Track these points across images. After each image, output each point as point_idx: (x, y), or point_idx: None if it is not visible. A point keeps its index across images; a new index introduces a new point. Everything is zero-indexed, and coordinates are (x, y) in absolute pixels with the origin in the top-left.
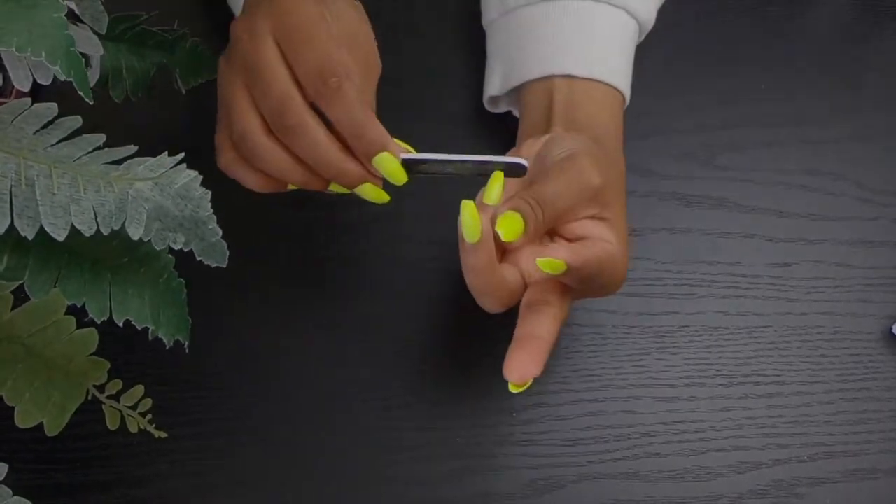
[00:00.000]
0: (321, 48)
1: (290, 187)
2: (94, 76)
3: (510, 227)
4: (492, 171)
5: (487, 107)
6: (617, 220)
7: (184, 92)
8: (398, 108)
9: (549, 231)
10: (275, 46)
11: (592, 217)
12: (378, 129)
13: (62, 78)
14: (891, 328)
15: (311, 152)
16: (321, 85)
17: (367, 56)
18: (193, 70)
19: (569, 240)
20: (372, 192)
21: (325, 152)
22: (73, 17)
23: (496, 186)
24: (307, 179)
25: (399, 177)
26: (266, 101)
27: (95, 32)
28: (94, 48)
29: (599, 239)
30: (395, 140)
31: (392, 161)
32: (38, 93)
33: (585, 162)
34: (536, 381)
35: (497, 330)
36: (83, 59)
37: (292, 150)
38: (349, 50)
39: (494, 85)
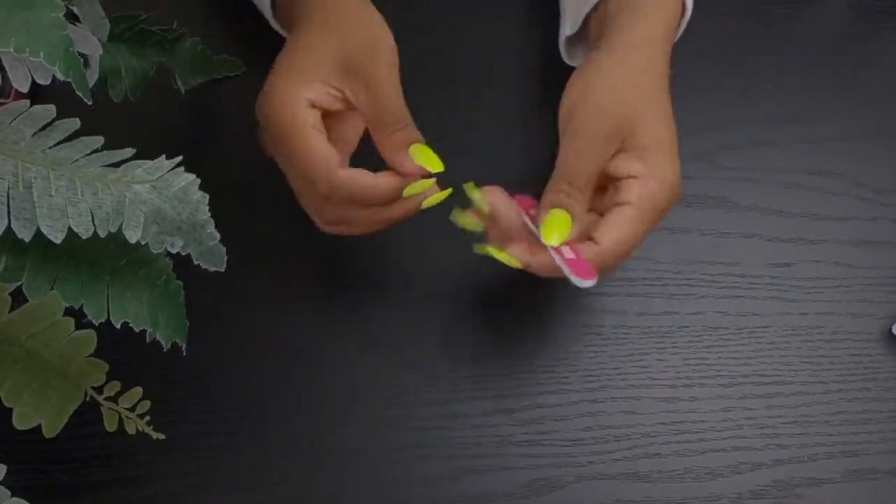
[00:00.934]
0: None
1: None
2: (92, 76)
3: (558, 226)
4: None
5: (565, 58)
6: (648, 142)
7: (183, 92)
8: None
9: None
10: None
11: (625, 150)
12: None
13: (61, 78)
14: (891, 328)
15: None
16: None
17: (386, 51)
18: (193, 70)
19: (614, 180)
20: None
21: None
22: (72, 16)
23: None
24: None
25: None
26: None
27: (94, 33)
28: (93, 48)
29: (630, 187)
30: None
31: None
32: (37, 93)
33: (589, 113)
34: (536, 381)
35: (497, 329)
36: (82, 60)
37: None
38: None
39: (566, 26)
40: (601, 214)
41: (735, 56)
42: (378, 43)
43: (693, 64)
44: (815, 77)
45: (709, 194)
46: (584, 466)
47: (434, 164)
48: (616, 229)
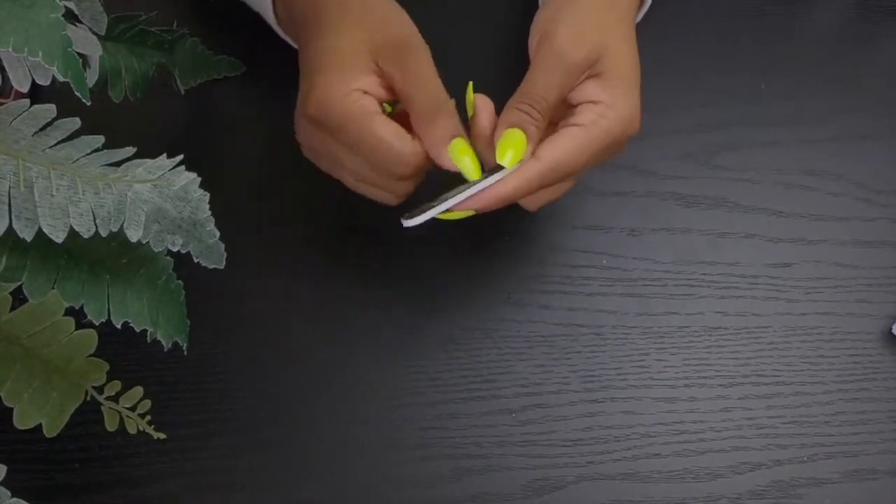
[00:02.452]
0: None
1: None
2: (92, 76)
3: (514, 145)
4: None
5: None
6: (614, 70)
7: (182, 92)
8: None
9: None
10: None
11: (588, 77)
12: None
13: (60, 78)
14: (891, 328)
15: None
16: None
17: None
18: (192, 70)
19: (571, 106)
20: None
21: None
22: (72, 17)
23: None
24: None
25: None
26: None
27: (94, 33)
28: (93, 48)
29: (586, 110)
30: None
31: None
32: (36, 93)
33: (560, 37)
34: (536, 381)
35: (497, 329)
36: (81, 60)
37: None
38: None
39: None
40: None
41: (735, 56)
42: (403, 31)
43: (692, 64)
44: (816, 77)
45: (709, 194)
46: (584, 466)
47: (469, 170)
48: (560, 147)
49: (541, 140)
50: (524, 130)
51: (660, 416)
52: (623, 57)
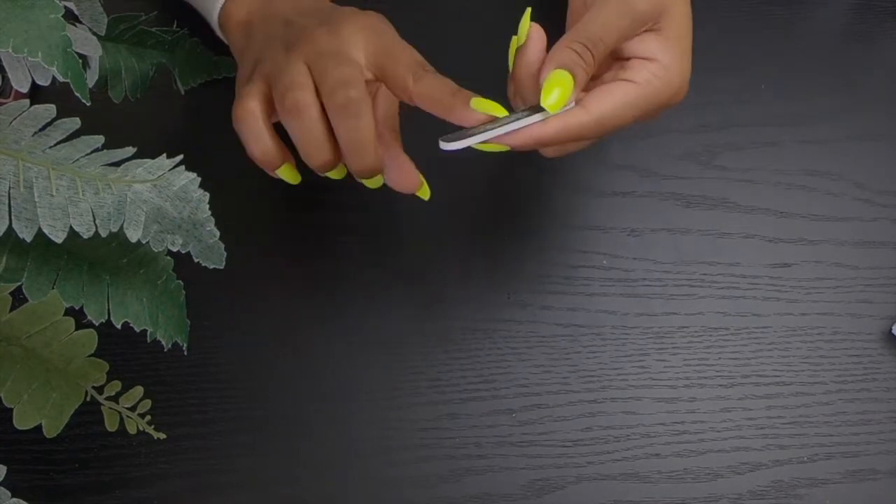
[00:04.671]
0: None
1: (279, 172)
2: (92, 77)
3: (560, 88)
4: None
5: None
6: (675, 30)
7: (182, 92)
8: None
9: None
10: (356, 41)
11: (647, 31)
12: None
13: (60, 79)
14: (891, 328)
15: (354, 133)
16: (422, 71)
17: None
18: (192, 70)
19: (620, 59)
20: (377, 182)
21: (368, 134)
22: (72, 17)
23: (524, 28)
24: (322, 154)
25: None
26: (334, 72)
27: (94, 33)
28: (93, 48)
29: (641, 67)
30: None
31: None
32: (36, 93)
33: None
34: (536, 381)
35: (497, 329)
36: (80, 60)
37: (337, 126)
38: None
39: None
40: None
41: (735, 56)
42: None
43: (693, 64)
44: (816, 77)
45: (709, 194)
46: (584, 467)
47: (487, 106)
48: (611, 102)
49: (587, 85)
50: (573, 74)
51: (660, 417)
52: (684, 17)
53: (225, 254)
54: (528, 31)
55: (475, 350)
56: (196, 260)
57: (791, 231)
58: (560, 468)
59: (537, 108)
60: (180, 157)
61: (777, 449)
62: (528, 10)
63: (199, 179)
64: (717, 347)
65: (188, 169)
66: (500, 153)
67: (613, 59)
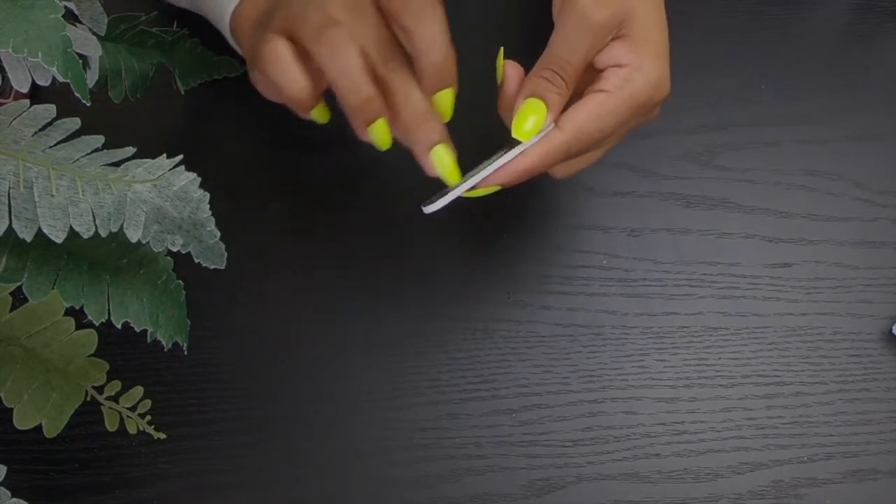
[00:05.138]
0: None
1: (312, 113)
2: (92, 77)
3: (533, 116)
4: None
5: None
6: (640, 32)
7: (182, 92)
8: None
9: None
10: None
11: (613, 39)
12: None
13: (60, 79)
14: (891, 328)
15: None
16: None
17: None
18: (192, 71)
19: (596, 70)
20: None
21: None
22: (72, 17)
23: (500, 67)
24: (363, 89)
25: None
26: (375, 31)
27: (94, 33)
28: (93, 49)
29: (611, 75)
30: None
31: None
32: (37, 94)
33: (589, 1)
34: (536, 381)
35: (497, 329)
36: (81, 61)
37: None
38: None
39: None
40: None
41: (735, 56)
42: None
43: (693, 64)
44: (815, 77)
45: (709, 194)
46: (584, 467)
47: (444, 167)
48: (583, 115)
49: (567, 106)
50: (544, 100)
51: (660, 417)
52: (649, 19)
53: (225, 254)
54: (504, 69)
55: (475, 350)
56: (196, 260)
57: (791, 231)
58: (560, 468)
59: (516, 142)
60: (180, 157)
61: (777, 449)
62: (501, 49)
63: (200, 179)
64: (717, 347)
65: (188, 169)
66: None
67: (592, 73)
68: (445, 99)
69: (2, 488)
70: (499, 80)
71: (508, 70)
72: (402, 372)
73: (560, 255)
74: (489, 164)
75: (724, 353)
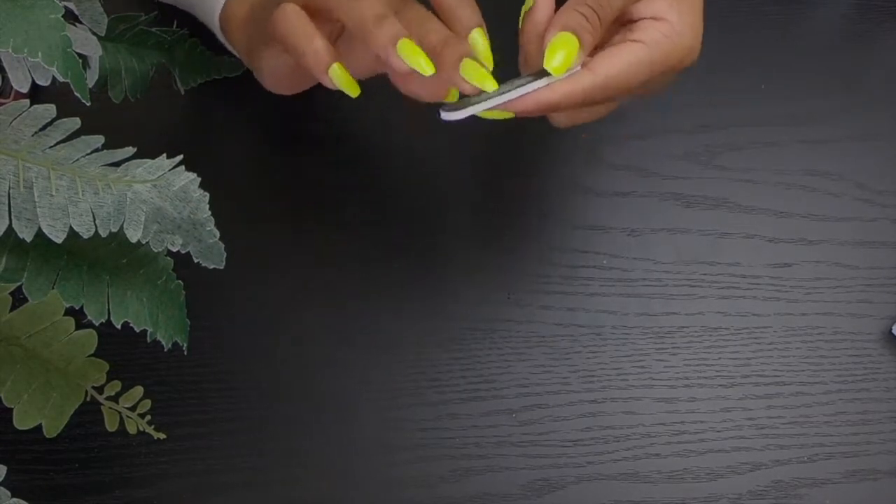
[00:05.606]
0: None
1: (333, 77)
2: (92, 77)
3: (565, 51)
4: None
5: None
6: None
7: (182, 92)
8: None
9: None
10: None
11: None
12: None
13: (60, 79)
14: (891, 328)
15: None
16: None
17: None
18: (192, 70)
19: (629, 22)
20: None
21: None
22: (72, 17)
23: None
24: (393, 25)
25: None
26: None
27: (94, 33)
28: (93, 49)
29: (649, 27)
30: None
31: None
32: (37, 94)
33: None
34: (536, 381)
35: (497, 329)
36: (81, 61)
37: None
38: None
39: None
40: None
41: (735, 56)
42: None
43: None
44: (816, 77)
45: (709, 194)
46: (584, 467)
47: (421, 64)
48: (619, 62)
49: (594, 51)
50: (579, 37)
51: (660, 417)
52: None
53: (225, 254)
54: None
55: (475, 350)
56: (196, 260)
57: (791, 231)
58: (560, 468)
59: (542, 73)
60: (180, 157)
61: (777, 449)
62: None
63: (199, 179)
64: (717, 347)
65: (188, 169)
66: (506, 120)
67: (621, 24)
68: (479, 39)
69: (2, 488)
70: (526, 6)
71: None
72: (402, 372)
73: (560, 255)
74: (513, 89)
75: (724, 353)
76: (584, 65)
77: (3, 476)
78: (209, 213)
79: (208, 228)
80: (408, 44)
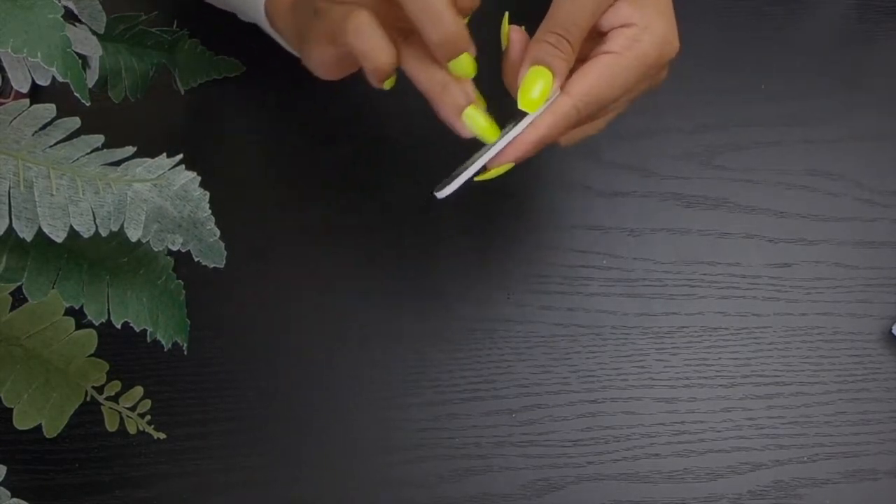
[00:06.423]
0: None
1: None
2: (92, 77)
3: (539, 84)
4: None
5: None
6: None
7: (182, 92)
8: None
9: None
10: None
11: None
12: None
13: (60, 79)
14: (891, 328)
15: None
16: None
17: None
18: (192, 71)
19: (601, 33)
20: (468, 66)
21: (442, 2)
22: (72, 17)
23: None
24: (452, 22)
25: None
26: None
27: (94, 33)
28: (93, 48)
29: (618, 35)
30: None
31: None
32: (36, 94)
33: None
34: (536, 381)
35: (497, 329)
36: (80, 61)
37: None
38: None
39: None
40: None
41: (735, 56)
42: None
43: (693, 64)
44: (816, 77)
45: (709, 194)
46: (584, 467)
47: (485, 134)
48: (591, 79)
49: (571, 72)
50: (550, 67)
51: (660, 417)
52: None
53: (225, 253)
54: (508, 33)
55: (475, 350)
56: (196, 259)
57: (791, 231)
58: (560, 468)
59: (523, 113)
60: (180, 156)
61: (777, 449)
62: (506, 14)
63: (200, 178)
64: (717, 347)
65: (188, 168)
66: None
67: (597, 36)
68: (462, 63)
69: (2, 488)
70: (503, 47)
71: (513, 35)
72: (402, 372)
73: (560, 255)
74: (497, 142)
75: (724, 353)
76: (561, 87)
77: (3, 476)
78: (209, 212)
79: (208, 227)
80: (474, 114)
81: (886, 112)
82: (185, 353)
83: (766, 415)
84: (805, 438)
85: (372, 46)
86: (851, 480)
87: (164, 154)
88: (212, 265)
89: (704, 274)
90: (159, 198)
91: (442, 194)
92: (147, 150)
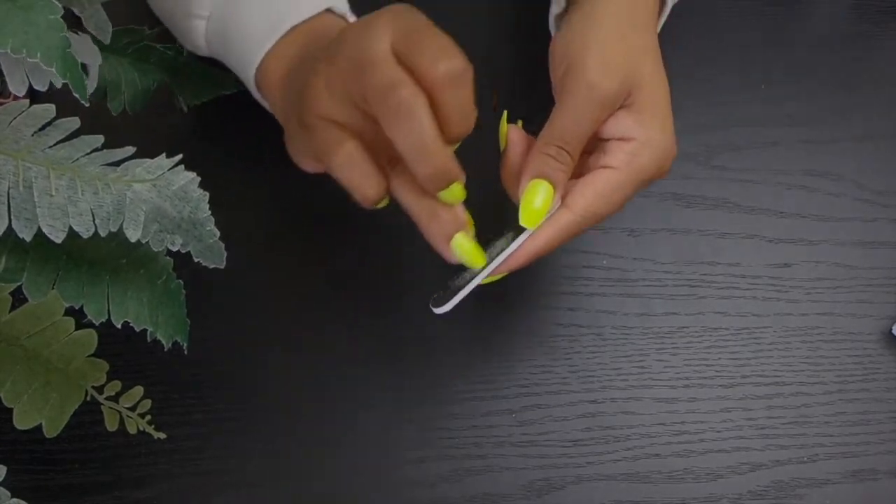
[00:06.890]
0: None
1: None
2: (90, 85)
3: (540, 195)
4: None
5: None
6: (647, 101)
7: (185, 110)
8: None
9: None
10: (388, 41)
11: (619, 108)
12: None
13: (58, 83)
14: (891, 329)
15: (415, 136)
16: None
17: None
18: (195, 90)
19: (601, 140)
20: (458, 193)
21: (431, 137)
22: (74, 25)
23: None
24: (441, 156)
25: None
26: (374, 78)
27: (97, 42)
28: (93, 57)
29: (617, 150)
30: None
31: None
32: (34, 100)
33: (590, 67)
34: (536, 381)
35: (497, 330)
36: (80, 63)
37: (393, 134)
38: None
39: (554, 5)
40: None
41: (735, 56)
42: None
43: (693, 64)
44: (816, 78)
45: (709, 194)
46: (584, 467)
47: (473, 261)
48: (591, 194)
49: (571, 177)
50: (551, 180)
51: (660, 417)
52: (655, 85)
53: (225, 253)
54: (507, 135)
55: (476, 350)
56: (196, 259)
57: (791, 231)
58: (560, 468)
59: (521, 227)
60: (180, 156)
61: (777, 449)
62: (505, 113)
63: (199, 179)
64: (717, 348)
65: (187, 169)
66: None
67: (595, 140)
68: (451, 192)
69: (2, 488)
70: (501, 147)
71: (511, 136)
72: (402, 372)
73: (560, 255)
74: (499, 254)
75: (724, 354)
76: (563, 197)
77: (3, 476)
78: (209, 212)
79: (208, 228)
80: (462, 242)
81: (886, 112)
82: (185, 352)
83: (765, 415)
84: (805, 438)
85: (360, 182)
86: (851, 480)
87: (164, 154)
88: (212, 266)
89: (704, 274)
90: (159, 198)
91: (440, 310)
92: (147, 149)
